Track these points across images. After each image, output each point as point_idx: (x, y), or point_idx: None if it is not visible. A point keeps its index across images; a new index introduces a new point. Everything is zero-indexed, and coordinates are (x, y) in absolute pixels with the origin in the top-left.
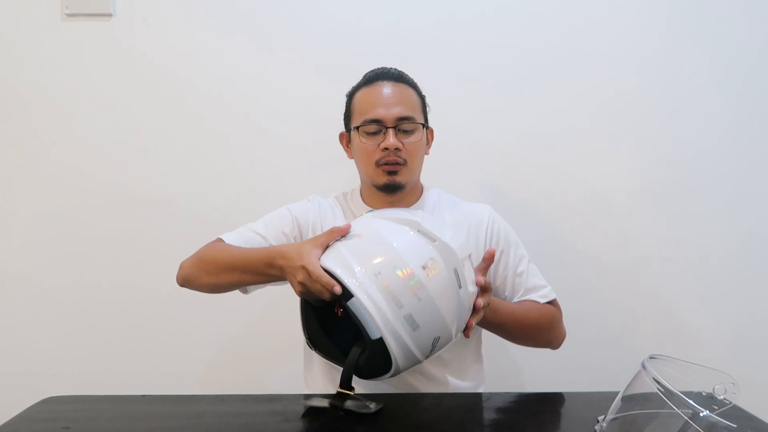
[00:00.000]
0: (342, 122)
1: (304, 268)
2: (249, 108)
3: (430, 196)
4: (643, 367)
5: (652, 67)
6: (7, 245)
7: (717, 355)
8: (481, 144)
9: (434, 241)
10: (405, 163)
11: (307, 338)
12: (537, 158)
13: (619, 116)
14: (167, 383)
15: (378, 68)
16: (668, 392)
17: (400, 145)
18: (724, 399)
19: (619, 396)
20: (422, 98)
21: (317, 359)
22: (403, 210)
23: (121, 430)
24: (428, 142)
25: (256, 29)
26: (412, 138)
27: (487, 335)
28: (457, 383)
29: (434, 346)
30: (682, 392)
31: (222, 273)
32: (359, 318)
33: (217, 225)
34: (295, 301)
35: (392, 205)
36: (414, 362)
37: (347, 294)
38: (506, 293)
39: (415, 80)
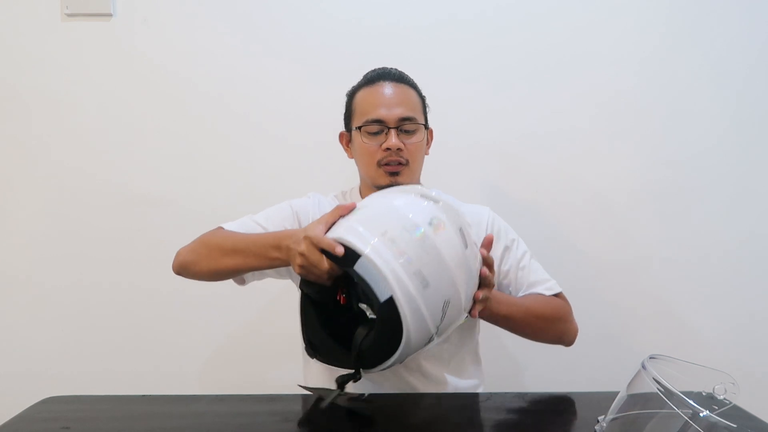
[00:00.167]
0: (342, 122)
1: (306, 237)
2: (249, 108)
3: None
4: (643, 367)
5: (652, 67)
6: (7, 245)
7: (717, 355)
8: (481, 144)
9: (438, 202)
10: (407, 163)
11: (306, 343)
12: (537, 158)
13: (619, 116)
14: (167, 383)
15: (379, 68)
16: (668, 392)
17: (402, 146)
18: (724, 399)
19: (619, 396)
20: (423, 99)
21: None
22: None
23: (121, 430)
24: (428, 143)
25: (256, 29)
26: (414, 138)
27: (485, 335)
28: (456, 382)
29: (444, 314)
30: (682, 392)
31: (224, 257)
32: (367, 280)
33: (217, 225)
34: (295, 300)
35: None
36: (424, 335)
37: (353, 258)
38: (510, 288)
39: (415, 80)
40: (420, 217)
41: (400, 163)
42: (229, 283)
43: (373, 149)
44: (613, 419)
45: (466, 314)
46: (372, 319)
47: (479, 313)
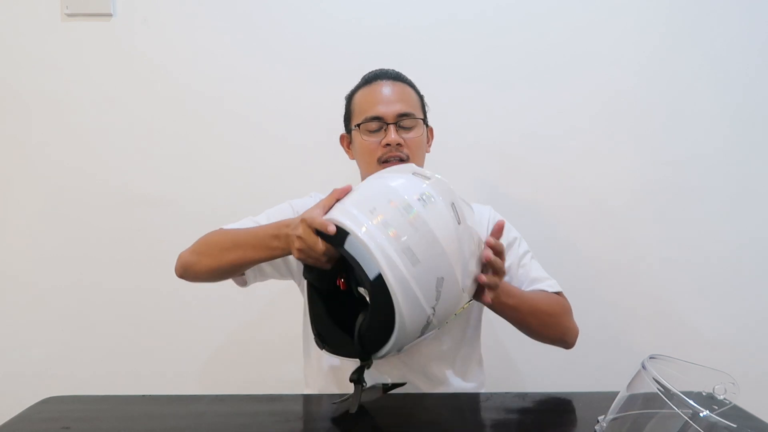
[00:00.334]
0: (342, 124)
1: (303, 220)
2: (249, 108)
3: None
4: (643, 367)
5: (653, 68)
6: (7, 245)
7: (717, 355)
8: (481, 144)
9: (429, 179)
10: (407, 158)
11: (315, 335)
12: (537, 158)
13: (619, 116)
14: (167, 383)
15: (376, 69)
16: (668, 392)
17: (401, 141)
18: (724, 399)
19: (619, 396)
20: (421, 97)
21: (316, 358)
22: None
23: (121, 430)
24: (429, 141)
25: (256, 29)
26: (413, 134)
27: (486, 335)
28: (460, 384)
29: (439, 293)
30: (682, 392)
31: (224, 253)
32: (357, 258)
33: (217, 225)
34: (295, 301)
35: None
36: (419, 315)
37: (343, 237)
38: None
39: (415, 81)
40: (410, 194)
41: (400, 159)
42: (230, 284)
43: (373, 146)
44: (613, 419)
45: (469, 297)
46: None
47: (488, 304)
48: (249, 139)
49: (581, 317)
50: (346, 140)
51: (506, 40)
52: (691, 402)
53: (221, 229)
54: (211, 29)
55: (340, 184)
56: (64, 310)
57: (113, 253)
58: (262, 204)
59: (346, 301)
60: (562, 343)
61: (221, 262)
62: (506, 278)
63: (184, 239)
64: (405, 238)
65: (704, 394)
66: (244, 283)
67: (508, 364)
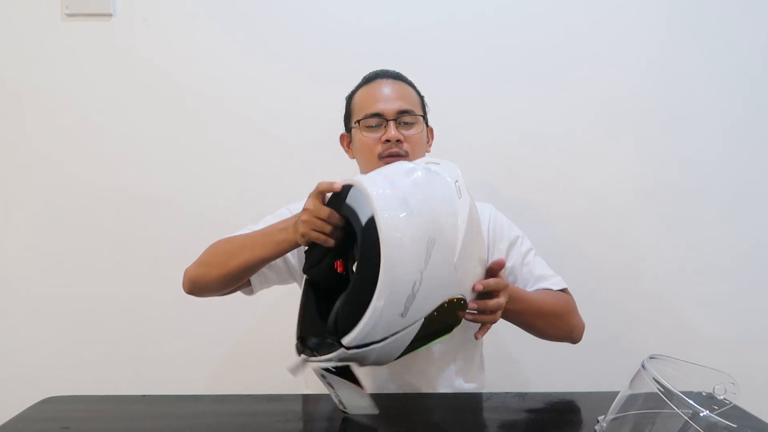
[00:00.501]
0: (342, 123)
1: (309, 197)
2: (249, 108)
3: None
4: (643, 367)
5: (654, 68)
6: (7, 245)
7: (717, 355)
8: (482, 144)
9: (438, 163)
10: (407, 155)
11: (298, 340)
12: (538, 159)
13: (619, 117)
14: (167, 384)
15: (376, 69)
16: (668, 392)
17: (401, 137)
18: (724, 399)
19: (619, 396)
20: (421, 97)
21: None
22: None
23: (121, 430)
24: (428, 141)
25: (256, 29)
26: (413, 131)
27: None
28: (461, 385)
29: (429, 255)
30: (682, 392)
31: (231, 258)
32: (354, 207)
33: (217, 226)
34: (296, 303)
35: None
36: (406, 274)
37: (346, 192)
38: (517, 284)
39: (415, 81)
40: (417, 163)
41: (400, 155)
42: None
43: (373, 143)
44: (614, 419)
45: (459, 294)
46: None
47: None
48: (249, 140)
49: (582, 317)
50: (346, 139)
51: (506, 41)
52: (691, 402)
53: (221, 239)
54: (211, 29)
55: None
56: (64, 310)
57: (113, 254)
58: (261, 204)
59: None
60: (569, 340)
61: (229, 267)
62: (511, 278)
63: (184, 240)
64: (405, 191)
65: (704, 394)
66: (250, 292)
67: (508, 365)
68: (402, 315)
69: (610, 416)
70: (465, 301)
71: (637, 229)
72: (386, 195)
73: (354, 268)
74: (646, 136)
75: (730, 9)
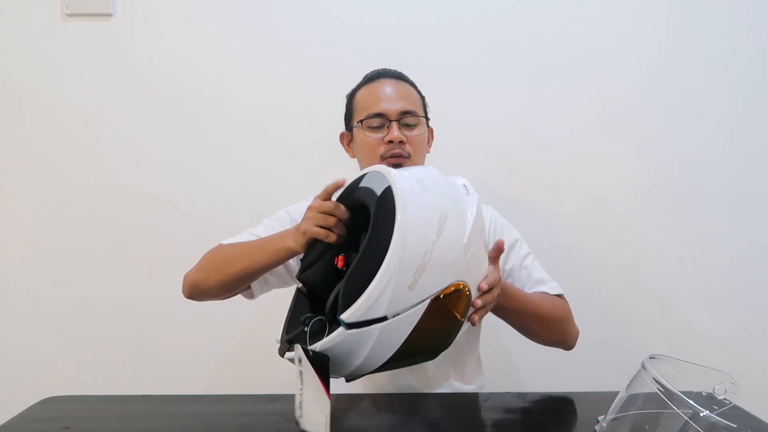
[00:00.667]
0: (342, 122)
1: (312, 205)
2: (249, 108)
3: None
4: (643, 367)
5: (654, 69)
6: (6, 245)
7: (717, 355)
8: (482, 145)
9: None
10: (409, 156)
11: (283, 342)
12: (538, 159)
13: (620, 117)
14: (167, 384)
15: (378, 68)
16: (668, 392)
17: (404, 138)
18: (724, 399)
19: (619, 396)
20: (422, 97)
21: None
22: None
23: (121, 430)
24: (429, 141)
25: (256, 29)
26: (416, 131)
27: (486, 334)
28: (460, 386)
29: (441, 228)
30: (682, 392)
31: (231, 264)
32: (369, 185)
33: (217, 226)
34: None
35: None
36: (419, 241)
37: (360, 178)
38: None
39: (415, 81)
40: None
41: (402, 156)
42: None
43: (375, 143)
44: (613, 419)
45: (466, 279)
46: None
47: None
48: (249, 140)
49: (581, 317)
50: (347, 138)
51: (507, 41)
52: (691, 402)
53: (221, 244)
54: (210, 29)
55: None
56: (64, 310)
57: (113, 255)
58: (261, 204)
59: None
60: (563, 346)
61: (229, 274)
62: (509, 281)
63: (184, 240)
64: (418, 175)
65: (704, 394)
66: (251, 296)
67: (508, 365)
68: (410, 288)
69: (609, 416)
70: (470, 291)
71: (637, 229)
72: (403, 174)
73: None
74: (646, 136)
75: (729, 9)
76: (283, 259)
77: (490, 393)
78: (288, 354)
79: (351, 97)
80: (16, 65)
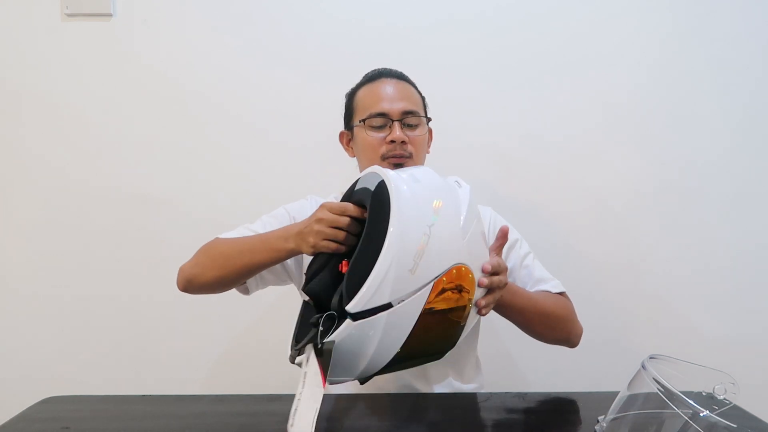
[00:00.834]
0: (342, 122)
1: (322, 207)
2: (248, 108)
3: None
4: (643, 367)
5: (655, 69)
6: (6, 245)
7: (717, 355)
8: (482, 146)
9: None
10: (410, 156)
11: (295, 351)
12: (538, 160)
13: (620, 118)
14: (167, 384)
15: (379, 68)
16: (668, 392)
17: (406, 138)
18: (724, 399)
19: (619, 396)
20: (423, 97)
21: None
22: None
23: (121, 430)
24: (428, 141)
25: (256, 30)
26: (417, 132)
27: (486, 335)
28: (458, 385)
29: (436, 214)
30: (682, 392)
31: (230, 260)
32: (364, 184)
33: (217, 226)
34: (295, 303)
35: None
36: (415, 225)
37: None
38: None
39: (416, 81)
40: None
41: (404, 156)
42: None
43: (376, 142)
44: (613, 419)
45: (467, 261)
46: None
47: (494, 307)
48: (248, 140)
49: (581, 317)
50: (346, 137)
51: (507, 41)
52: (691, 402)
53: (218, 238)
54: (211, 30)
55: (338, 186)
56: (64, 310)
57: (113, 255)
58: (261, 204)
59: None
60: (567, 343)
61: (227, 270)
62: (509, 280)
63: (184, 241)
64: (410, 171)
65: (704, 394)
66: (246, 291)
67: (508, 365)
68: (412, 272)
69: (610, 416)
70: (473, 275)
71: (637, 229)
72: (396, 172)
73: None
74: (646, 137)
75: (730, 9)
76: (282, 259)
77: (490, 393)
78: (298, 358)
79: (351, 96)
80: (16, 65)
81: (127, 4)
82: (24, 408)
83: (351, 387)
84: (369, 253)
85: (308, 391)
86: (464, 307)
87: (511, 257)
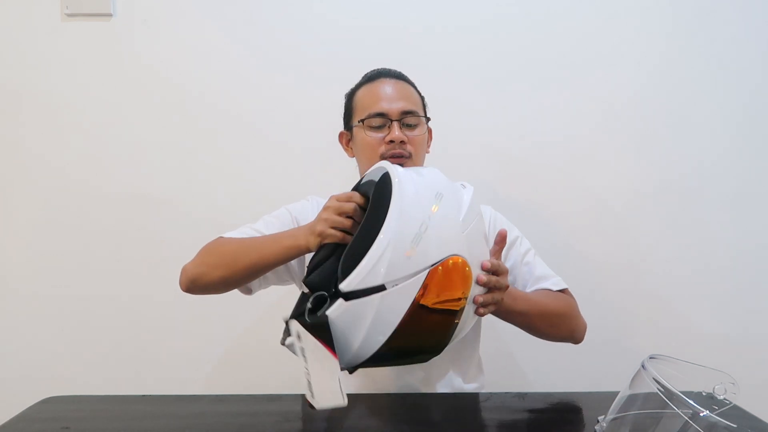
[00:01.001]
0: (341, 122)
1: (330, 198)
2: (248, 108)
3: None
4: (643, 367)
5: (656, 70)
6: (7, 245)
7: (717, 355)
8: (482, 146)
9: None
10: (410, 156)
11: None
12: (538, 160)
13: (620, 118)
14: (168, 384)
15: (378, 68)
16: (668, 392)
17: (405, 138)
18: (724, 399)
19: (619, 396)
20: (422, 97)
21: None
22: None
23: (121, 430)
24: (428, 141)
25: (256, 30)
26: (416, 131)
27: (486, 335)
28: (459, 385)
29: (437, 203)
30: (682, 392)
31: (238, 259)
32: (370, 177)
33: (217, 226)
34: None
35: None
36: (416, 212)
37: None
38: (516, 284)
39: (416, 82)
40: None
41: (403, 156)
42: None
43: (376, 143)
44: (614, 419)
45: (465, 254)
46: None
47: (496, 312)
48: (249, 140)
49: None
50: (346, 137)
51: (507, 42)
52: (691, 402)
53: (222, 238)
54: (211, 30)
55: (339, 186)
56: (64, 310)
57: (113, 255)
58: (261, 205)
59: None
60: (571, 340)
61: (234, 269)
62: (510, 278)
63: (184, 240)
64: (419, 170)
65: (704, 394)
66: (249, 292)
67: (508, 365)
68: (408, 256)
69: (610, 416)
70: (470, 269)
71: (637, 229)
72: (401, 167)
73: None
74: (646, 137)
75: (730, 11)
76: (293, 257)
77: (491, 393)
78: (288, 340)
79: (350, 96)
80: (16, 65)
81: (127, 4)
82: (24, 408)
83: (351, 387)
84: (367, 234)
85: (317, 363)
86: (459, 303)
87: (512, 255)
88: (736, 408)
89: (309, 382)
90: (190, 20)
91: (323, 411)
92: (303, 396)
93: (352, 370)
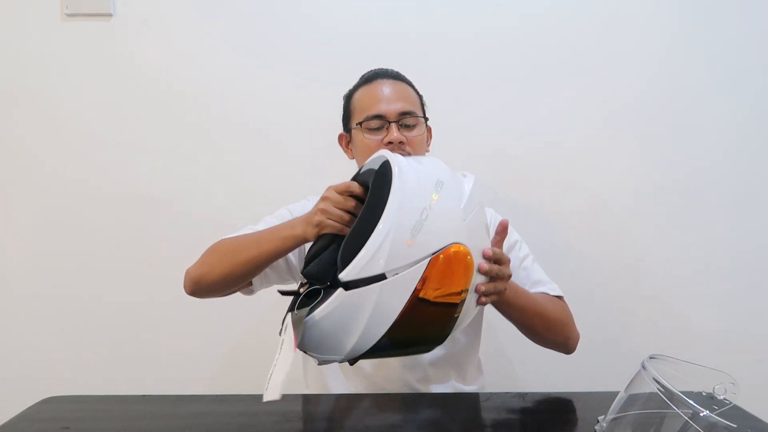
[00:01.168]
0: (340, 125)
1: (328, 188)
2: (249, 109)
3: None
4: (643, 367)
5: (658, 70)
6: (6, 245)
7: (717, 355)
8: (482, 146)
9: None
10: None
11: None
12: (538, 160)
13: (621, 118)
14: (168, 384)
15: (375, 68)
16: (668, 392)
17: (403, 139)
18: (724, 399)
19: (619, 396)
20: (420, 96)
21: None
22: None
23: (121, 430)
24: (427, 140)
25: (257, 31)
26: (415, 132)
27: (486, 335)
28: (459, 386)
29: (437, 191)
30: (682, 392)
31: (238, 254)
32: (370, 165)
33: (217, 226)
34: None
35: None
36: (416, 200)
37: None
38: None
39: (415, 82)
40: None
41: None
42: None
43: (374, 145)
44: (613, 419)
45: (466, 242)
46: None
47: (496, 304)
48: (249, 141)
49: (581, 318)
50: (345, 139)
51: (507, 40)
52: (691, 402)
53: (223, 239)
54: (211, 30)
55: None
56: (64, 310)
57: (113, 255)
58: (262, 205)
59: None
60: (564, 348)
61: (234, 265)
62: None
63: (184, 241)
64: (419, 158)
65: (704, 394)
66: (251, 292)
67: (508, 366)
68: (408, 244)
69: (609, 416)
70: (471, 258)
71: (637, 229)
72: (401, 156)
73: None
74: (646, 137)
75: (732, 11)
76: (291, 247)
77: (490, 393)
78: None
79: (348, 98)
80: (15, 65)
81: (127, 4)
82: (24, 408)
83: (351, 387)
84: (367, 222)
85: (282, 356)
86: (461, 294)
87: (514, 258)
88: (736, 408)
89: (270, 374)
90: (190, 20)
91: (323, 411)
92: (303, 396)
93: (352, 362)
